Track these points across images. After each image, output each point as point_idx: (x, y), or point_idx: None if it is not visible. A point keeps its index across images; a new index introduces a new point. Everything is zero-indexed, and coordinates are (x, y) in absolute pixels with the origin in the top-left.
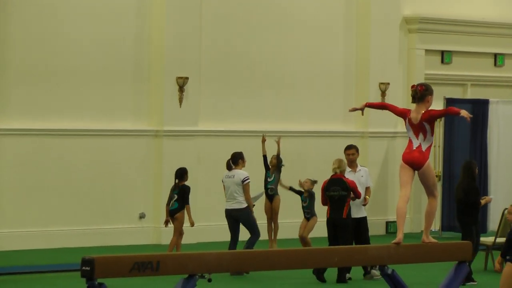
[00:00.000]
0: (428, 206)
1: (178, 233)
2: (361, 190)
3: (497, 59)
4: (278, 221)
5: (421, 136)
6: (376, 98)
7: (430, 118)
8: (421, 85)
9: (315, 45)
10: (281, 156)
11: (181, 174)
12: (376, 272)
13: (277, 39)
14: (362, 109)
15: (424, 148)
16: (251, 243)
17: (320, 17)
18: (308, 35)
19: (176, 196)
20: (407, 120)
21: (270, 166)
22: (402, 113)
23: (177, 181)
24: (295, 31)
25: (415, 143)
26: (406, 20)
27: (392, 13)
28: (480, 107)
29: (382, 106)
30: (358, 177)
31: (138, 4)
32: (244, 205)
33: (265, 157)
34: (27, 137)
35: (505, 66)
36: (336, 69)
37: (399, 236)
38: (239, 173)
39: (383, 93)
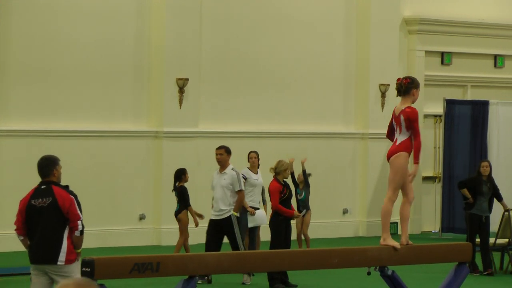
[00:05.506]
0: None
1: (183, 234)
2: (222, 192)
3: (497, 60)
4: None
5: (398, 128)
6: (376, 99)
7: (407, 118)
8: (406, 78)
9: (315, 46)
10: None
11: (178, 175)
12: (246, 276)
13: (277, 40)
14: None
15: (398, 141)
16: None
17: (320, 18)
18: (308, 36)
19: (177, 198)
20: (393, 112)
21: (298, 183)
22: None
23: (177, 182)
24: (295, 32)
25: (396, 135)
26: (406, 21)
27: (392, 14)
28: (480, 108)
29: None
30: (221, 179)
31: (138, 5)
32: None
33: (292, 174)
34: (26, 138)
35: (505, 68)
36: (336, 70)
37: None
38: None
39: (383, 94)
